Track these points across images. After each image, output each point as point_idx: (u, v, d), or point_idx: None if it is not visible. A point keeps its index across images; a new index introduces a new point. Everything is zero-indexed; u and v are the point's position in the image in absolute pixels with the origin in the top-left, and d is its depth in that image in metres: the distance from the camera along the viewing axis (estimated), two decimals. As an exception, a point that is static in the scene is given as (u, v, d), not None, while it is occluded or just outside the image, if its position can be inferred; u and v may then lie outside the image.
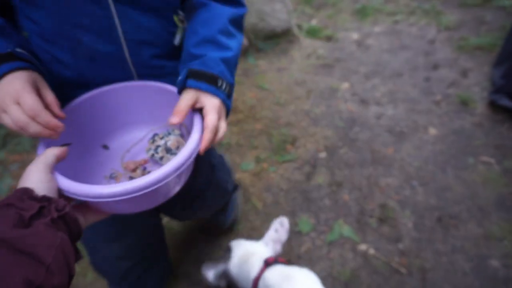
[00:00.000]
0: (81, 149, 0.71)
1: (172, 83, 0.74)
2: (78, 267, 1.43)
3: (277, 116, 2.04)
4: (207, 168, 1.09)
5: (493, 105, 1.94)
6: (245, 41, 2.53)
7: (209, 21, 0.72)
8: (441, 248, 1.39)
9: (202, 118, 0.64)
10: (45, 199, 0.48)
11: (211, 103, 0.64)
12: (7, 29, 0.66)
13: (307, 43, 2.70)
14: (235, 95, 2.21)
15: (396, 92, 2.15)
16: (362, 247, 1.42)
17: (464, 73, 2.22)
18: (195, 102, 0.64)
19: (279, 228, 1.16)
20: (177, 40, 0.76)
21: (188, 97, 0.64)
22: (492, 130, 1.84)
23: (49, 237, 0.44)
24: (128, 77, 0.75)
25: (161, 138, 0.74)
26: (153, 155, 0.73)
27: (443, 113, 1.98)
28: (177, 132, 0.76)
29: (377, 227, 1.48)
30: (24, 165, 1.88)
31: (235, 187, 1.44)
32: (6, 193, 1.77)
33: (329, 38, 2.76)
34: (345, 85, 2.25)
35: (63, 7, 0.64)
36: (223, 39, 0.71)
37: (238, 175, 1.72)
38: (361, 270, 1.35)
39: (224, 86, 0.67)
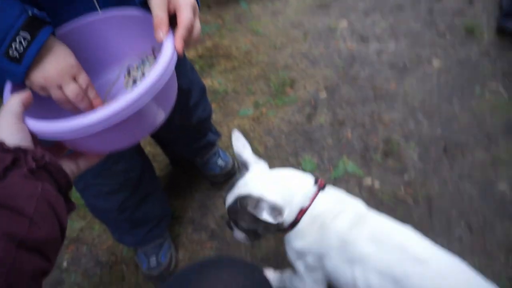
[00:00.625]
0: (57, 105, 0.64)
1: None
2: (83, 221, 1.44)
3: (274, 60, 1.96)
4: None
5: (501, 32, 1.83)
6: (235, -15, 2.38)
7: None
8: (447, 177, 1.37)
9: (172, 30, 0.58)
10: (19, 150, 0.43)
11: (184, 0, 0.57)
12: None
13: (301, -17, 2.53)
14: (228, 41, 2.11)
15: (397, 27, 2.04)
16: (368, 181, 1.40)
17: (470, 1, 2.08)
18: (168, 3, 0.57)
19: (239, 138, 0.93)
20: None
21: (158, 1, 0.56)
22: (500, 57, 1.76)
23: (28, 187, 0.40)
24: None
25: (137, 69, 0.69)
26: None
27: (447, 44, 1.88)
28: (151, 58, 0.69)
29: (381, 161, 1.45)
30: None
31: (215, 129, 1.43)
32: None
33: (324, -23, 2.58)
34: (343, 23, 2.13)
35: None
36: None
37: (237, 122, 1.67)
38: (367, 203, 1.33)
39: None
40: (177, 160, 1.52)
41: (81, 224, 1.44)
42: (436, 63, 1.80)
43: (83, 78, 0.61)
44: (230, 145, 1.58)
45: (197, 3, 0.62)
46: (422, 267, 0.71)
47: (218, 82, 1.86)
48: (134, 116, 0.49)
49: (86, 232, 1.42)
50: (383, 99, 1.68)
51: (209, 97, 1.77)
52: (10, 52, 0.53)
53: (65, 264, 1.34)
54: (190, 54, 2.04)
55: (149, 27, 0.59)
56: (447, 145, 1.46)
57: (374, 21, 2.10)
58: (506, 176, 1.33)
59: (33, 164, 0.42)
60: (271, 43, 2.06)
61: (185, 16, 0.56)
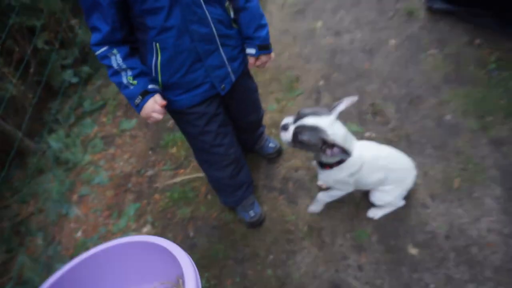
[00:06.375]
0: None
1: (236, 44, 1.44)
2: (190, 207, 2.13)
3: (278, 64, 2.65)
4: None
5: (431, 10, 2.59)
6: (228, 9, 3.01)
7: (254, 17, 1.40)
8: (416, 119, 2.14)
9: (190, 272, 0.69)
10: None
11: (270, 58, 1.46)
12: (143, 71, 1.30)
13: (276, -6, 3.19)
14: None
15: (359, 18, 2.76)
16: (367, 134, 2.16)
17: (406, -12, 2.82)
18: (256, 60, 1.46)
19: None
20: (232, 14, 1.40)
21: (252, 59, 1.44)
22: (433, 28, 2.52)
23: None
24: (215, 47, 1.35)
25: None
26: None
27: (397, 25, 2.62)
28: None
29: (372, 119, 2.21)
30: (111, 157, 2.48)
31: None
32: (108, 182, 2.40)
33: (292, -15, 3.24)
34: (319, 23, 2.83)
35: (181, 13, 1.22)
36: (264, 21, 1.43)
37: (269, 115, 2.38)
38: (370, 148, 2.10)
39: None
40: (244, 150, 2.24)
41: (191, 208, 2.14)
42: (392, 42, 2.54)
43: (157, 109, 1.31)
44: (271, 133, 2.31)
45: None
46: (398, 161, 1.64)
47: (244, 90, 2.55)
48: None
49: (196, 212, 2.13)
50: (362, 76, 2.42)
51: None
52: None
53: (191, 234, 2.05)
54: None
55: (173, 256, 0.61)
56: (411, 99, 2.23)
57: (341, 17, 2.81)
58: (450, 111, 2.11)
59: None
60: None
61: None
